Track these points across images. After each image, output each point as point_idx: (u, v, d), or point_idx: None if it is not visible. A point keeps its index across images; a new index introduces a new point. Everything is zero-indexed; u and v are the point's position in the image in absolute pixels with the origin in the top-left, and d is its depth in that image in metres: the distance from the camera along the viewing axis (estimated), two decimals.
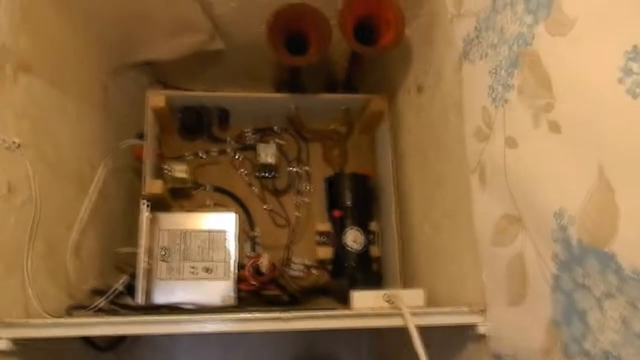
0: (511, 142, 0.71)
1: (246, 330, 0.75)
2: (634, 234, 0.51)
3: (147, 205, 0.98)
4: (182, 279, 1.01)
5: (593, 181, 0.56)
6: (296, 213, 1.18)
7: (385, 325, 0.77)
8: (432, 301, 0.92)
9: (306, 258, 1.15)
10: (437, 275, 0.94)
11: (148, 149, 1.03)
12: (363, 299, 0.85)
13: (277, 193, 1.19)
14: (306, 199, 1.19)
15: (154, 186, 1.00)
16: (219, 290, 1.01)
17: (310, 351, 1.26)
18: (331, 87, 1.22)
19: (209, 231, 1.04)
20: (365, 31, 0.92)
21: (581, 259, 0.58)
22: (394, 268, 1.05)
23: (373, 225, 1.14)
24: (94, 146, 1.05)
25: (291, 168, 1.20)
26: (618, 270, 0.53)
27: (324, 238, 1.13)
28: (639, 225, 0.51)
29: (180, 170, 1.05)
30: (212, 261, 1.02)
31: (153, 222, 1.03)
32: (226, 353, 1.32)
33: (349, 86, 1.19)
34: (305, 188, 1.20)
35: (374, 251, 1.12)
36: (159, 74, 1.27)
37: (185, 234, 1.03)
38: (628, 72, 0.52)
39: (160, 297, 1.00)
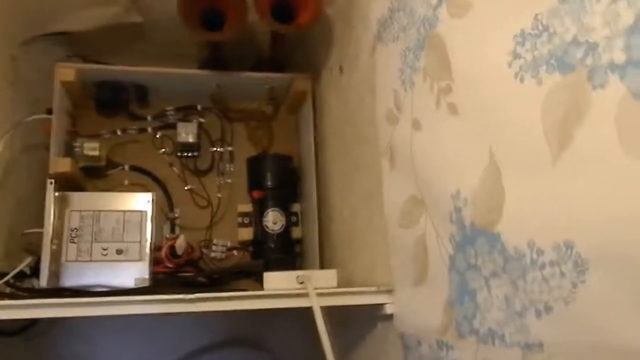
0: (417, 125, 0.71)
1: (149, 312, 0.73)
2: (516, 215, 0.52)
3: (52, 183, 0.93)
4: (92, 261, 0.97)
5: (485, 163, 0.57)
6: (218, 194, 1.16)
7: (293, 305, 0.77)
8: (348, 284, 0.93)
9: (228, 240, 1.14)
10: (354, 258, 0.95)
11: (56, 125, 0.98)
12: (275, 280, 0.85)
13: (199, 173, 1.16)
14: (229, 180, 1.17)
15: (61, 164, 0.96)
16: (132, 272, 0.98)
17: (232, 334, 1.25)
18: (258, 66, 1.19)
19: (124, 212, 1.00)
20: (284, 9, 0.91)
21: (473, 239, 0.59)
22: (314, 250, 1.05)
23: (295, 207, 1.14)
24: (1, 122, 0.99)
25: (214, 148, 1.17)
26: (502, 250, 0.54)
27: (245, 219, 1.12)
28: (520, 206, 0.52)
29: (91, 148, 1.01)
30: (125, 242, 0.99)
31: (64, 202, 0.98)
32: (148, 338, 1.29)
33: (275, 65, 1.17)
34: (228, 168, 1.17)
35: (296, 232, 1.12)
36: (77, 47, 1.21)
37: (97, 215, 0.99)
38: (516, 55, 0.52)
39: (69, 279, 0.96)
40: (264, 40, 1.15)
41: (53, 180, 0.94)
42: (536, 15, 0.50)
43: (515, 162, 0.53)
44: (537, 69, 0.50)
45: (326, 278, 0.87)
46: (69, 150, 1.03)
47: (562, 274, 0.46)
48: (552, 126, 0.48)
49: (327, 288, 0.82)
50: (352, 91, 0.95)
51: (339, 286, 0.86)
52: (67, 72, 1.00)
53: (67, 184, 1.01)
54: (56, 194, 0.96)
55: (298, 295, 0.77)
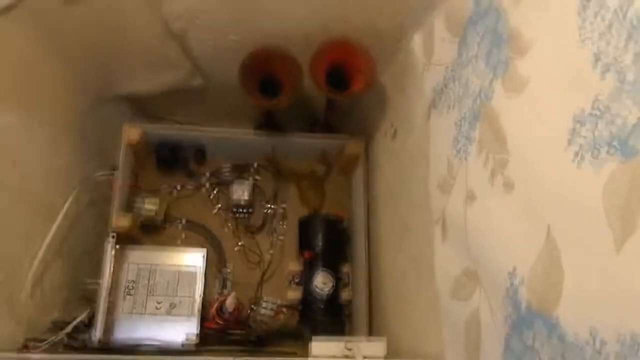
0: (471, 196, 0.70)
1: None
2: (577, 299, 0.50)
3: (113, 237, 0.97)
4: (146, 314, 0.99)
5: (542, 242, 0.55)
6: (270, 251, 1.17)
7: None
8: (396, 351, 0.90)
9: (277, 297, 1.14)
10: (403, 324, 0.93)
11: (118, 182, 1.03)
12: (322, 347, 0.84)
13: (252, 230, 1.18)
14: (280, 238, 1.18)
15: (122, 220, 1.00)
16: (182, 327, 0.99)
17: None
18: (311, 126, 1.22)
19: (178, 267, 1.03)
20: (338, 76, 0.93)
21: (530, 321, 0.57)
22: (363, 314, 1.04)
23: (346, 267, 1.13)
24: (69, 176, 1.05)
25: (268, 206, 1.19)
26: (562, 337, 0.51)
27: (295, 278, 1.12)
28: (582, 290, 0.50)
29: (151, 203, 1.05)
30: (178, 296, 1.01)
31: (122, 255, 1.02)
32: None
33: (328, 126, 1.19)
34: (280, 227, 1.19)
35: (346, 294, 1.10)
36: (140, 105, 1.28)
37: (153, 269, 1.02)
38: (576, 135, 0.51)
39: (122, 332, 0.98)
40: (318, 103, 1.19)
41: (115, 235, 0.98)
42: (596, 96, 0.49)
43: (576, 243, 0.51)
44: (598, 151, 0.48)
45: (375, 348, 0.85)
46: (129, 205, 1.08)
47: None
48: (614, 211, 0.46)
49: (376, 358, 0.80)
50: (406, 155, 0.95)
51: (387, 356, 0.84)
52: (133, 132, 1.06)
53: (126, 238, 1.05)
54: (116, 247, 1.00)
55: None
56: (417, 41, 0.91)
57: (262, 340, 1.04)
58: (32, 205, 0.92)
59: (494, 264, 0.64)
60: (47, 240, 0.91)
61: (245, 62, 0.90)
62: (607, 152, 0.47)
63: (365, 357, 0.81)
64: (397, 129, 1.00)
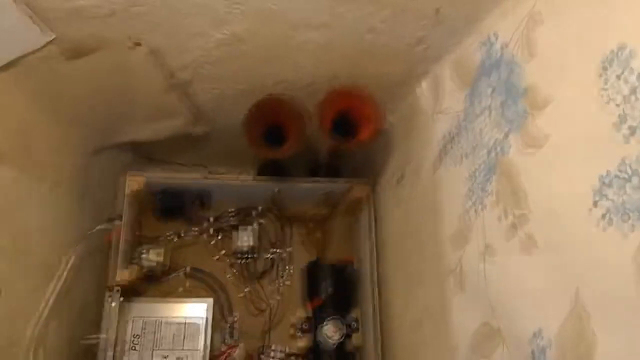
0: (489, 251, 0.69)
1: None
2: None
3: (118, 291, 0.95)
4: None
5: (571, 305, 0.54)
6: (276, 297, 1.14)
7: None
8: None
9: (286, 345, 1.11)
10: None
11: (121, 233, 1.00)
12: None
13: (257, 276, 1.16)
14: (287, 282, 1.16)
15: (125, 273, 0.97)
16: None
17: None
18: (314, 169, 1.21)
19: (184, 319, 1.00)
20: (345, 123, 0.92)
21: None
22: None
23: (354, 312, 1.10)
24: (68, 232, 1.02)
25: (272, 250, 1.17)
26: None
27: (304, 325, 1.09)
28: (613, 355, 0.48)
29: (155, 254, 1.02)
30: (185, 350, 0.98)
31: (124, 309, 0.99)
32: None
33: (332, 169, 1.18)
34: (286, 271, 1.16)
35: (356, 339, 1.08)
36: (142, 151, 1.26)
37: (158, 323, 0.99)
38: (602, 197, 0.50)
39: None
40: (322, 145, 1.18)
41: (118, 288, 0.95)
42: (623, 158, 0.48)
43: (607, 310, 0.49)
44: (628, 215, 0.47)
45: None
46: (132, 256, 1.05)
47: None
48: None
49: None
50: (414, 204, 0.94)
51: None
52: (137, 181, 1.04)
53: (127, 290, 1.02)
54: (116, 302, 0.97)
55: None
56: (424, 88, 0.91)
57: None
58: (29, 264, 0.89)
59: (518, 322, 0.63)
60: (48, 300, 0.88)
61: (250, 112, 0.89)
62: (639, 219, 0.46)
63: None
64: (403, 174, 0.99)
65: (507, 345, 0.65)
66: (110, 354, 0.93)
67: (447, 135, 0.82)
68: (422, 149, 0.90)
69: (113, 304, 0.96)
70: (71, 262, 0.95)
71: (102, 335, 0.95)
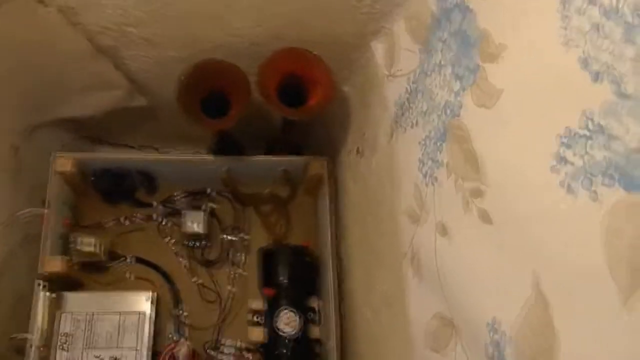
0: (442, 229, 0.59)
1: None
2: None
3: (40, 285, 0.85)
4: None
5: (528, 292, 0.44)
6: (229, 287, 1.05)
7: None
8: None
9: (239, 339, 1.02)
10: None
11: (51, 220, 0.91)
12: None
13: (209, 264, 1.06)
14: (242, 272, 1.06)
15: (53, 264, 0.87)
16: None
17: None
18: (271, 145, 1.11)
19: (121, 315, 0.91)
20: (293, 90, 0.82)
21: None
22: (333, 356, 0.92)
23: (313, 301, 1.01)
24: None
25: (225, 236, 1.07)
26: None
27: (257, 318, 1.00)
28: (581, 357, 0.39)
29: (87, 244, 0.92)
30: (121, 348, 0.89)
31: (57, 303, 0.90)
32: None
33: (289, 144, 1.08)
34: (241, 259, 1.07)
35: (314, 332, 0.99)
36: (85, 130, 1.16)
37: (91, 318, 0.90)
38: (561, 160, 0.41)
39: None
40: (277, 119, 1.08)
41: (41, 282, 0.86)
42: (584, 111, 0.39)
43: (569, 297, 0.40)
44: (591, 180, 0.38)
45: None
46: (66, 245, 0.95)
47: None
48: (617, 255, 0.36)
49: None
50: (372, 177, 0.84)
51: None
52: (64, 161, 0.94)
53: (64, 282, 0.93)
54: (47, 294, 0.88)
55: None
56: (378, 49, 0.80)
57: None
58: None
59: (471, 312, 0.54)
60: None
61: (182, 79, 0.79)
62: (603, 183, 0.37)
63: None
64: (360, 147, 0.90)
65: (460, 338, 0.56)
66: (34, 353, 0.83)
67: (399, 100, 0.72)
68: (378, 118, 0.81)
69: (40, 298, 0.86)
70: None
71: (29, 335, 0.85)
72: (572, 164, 0.40)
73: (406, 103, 0.69)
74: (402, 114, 0.70)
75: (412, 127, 0.67)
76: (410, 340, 0.68)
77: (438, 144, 0.60)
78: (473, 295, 0.54)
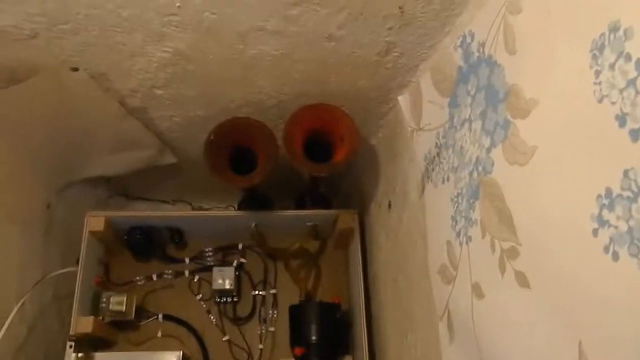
0: (477, 291, 0.56)
1: None
2: None
3: (71, 347, 0.84)
4: None
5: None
6: (259, 345, 1.02)
7: None
8: None
9: None
10: None
11: (82, 279, 0.91)
12: None
13: (239, 321, 1.04)
14: (271, 328, 1.03)
15: (84, 324, 0.87)
16: None
17: None
18: (301, 201, 1.10)
19: None
20: (319, 146, 0.82)
21: None
22: None
23: None
24: (28, 274, 0.93)
25: (255, 291, 1.06)
26: None
27: None
28: None
29: (117, 302, 0.92)
30: None
31: None
32: None
33: (318, 197, 1.07)
34: (271, 315, 1.04)
35: None
36: (118, 186, 1.18)
37: None
38: (604, 223, 0.38)
39: None
40: (305, 173, 1.07)
41: (72, 343, 0.85)
42: (626, 171, 0.36)
43: None
44: (637, 246, 0.35)
45: None
46: (96, 304, 0.95)
47: None
48: None
49: None
50: (403, 233, 0.82)
51: None
52: (96, 220, 0.95)
53: (95, 341, 0.92)
54: (79, 355, 0.87)
55: None
56: (404, 102, 0.80)
57: None
58: None
59: None
60: None
61: (210, 138, 0.80)
62: None
63: None
64: (391, 200, 0.88)
65: None
66: None
67: (428, 154, 0.70)
68: (407, 172, 0.79)
69: (71, 359, 0.85)
70: (17, 307, 0.84)
71: None
72: (616, 227, 0.37)
73: (436, 158, 0.68)
74: (433, 169, 0.69)
75: (443, 182, 0.65)
76: None
77: (471, 201, 0.58)
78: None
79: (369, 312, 0.95)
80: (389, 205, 0.88)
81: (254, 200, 1.06)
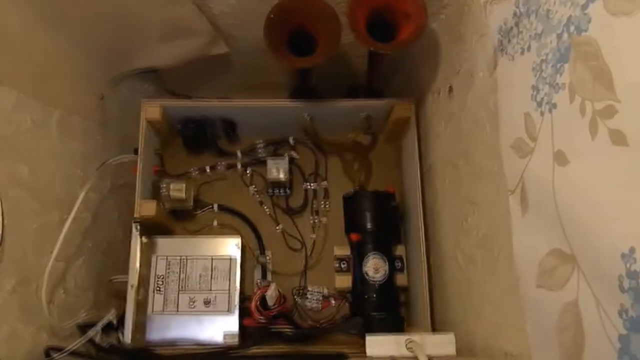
0: (561, 159, 0.55)
1: None
2: None
3: (137, 229, 0.87)
4: (179, 313, 0.89)
5: None
6: (312, 235, 1.04)
7: None
8: (467, 348, 0.77)
9: (324, 286, 1.02)
10: (474, 316, 0.79)
11: (142, 166, 0.92)
12: (380, 345, 0.71)
13: (292, 212, 1.06)
14: (324, 219, 1.05)
15: (147, 207, 0.89)
16: (220, 325, 0.89)
17: None
18: (353, 93, 1.08)
19: (211, 258, 0.92)
20: (381, 26, 0.78)
21: None
22: (423, 303, 0.90)
23: (399, 250, 0.99)
24: (87, 164, 0.95)
25: (307, 184, 1.07)
26: None
27: (343, 264, 0.99)
28: None
29: (177, 189, 0.94)
30: (213, 292, 0.90)
31: (150, 247, 0.92)
32: None
33: (372, 91, 1.04)
34: (323, 206, 1.06)
35: (400, 279, 0.97)
36: (165, 82, 1.17)
37: (184, 261, 0.92)
38: None
39: (155, 333, 0.89)
40: (359, 65, 1.04)
41: (139, 225, 0.88)
42: None
43: None
44: None
45: (442, 344, 0.72)
46: (156, 192, 0.97)
47: None
48: None
49: (444, 357, 0.67)
50: (466, 116, 0.80)
51: (458, 354, 0.71)
52: (153, 109, 0.94)
53: (155, 227, 0.95)
54: (143, 239, 0.90)
55: None
56: None
57: (308, 337, 0.93)
58: (47, 200, 0.83)
59: (600, 243, 0.49)
60: (62, 235, 0.81)
61: (270, 16, 0.77)
62: None
63: (431, 357, 0.68)
64: (452, 85, 0.85)
65: (584, 273, 0.52)
66: (134, 296, 0.86)
67: (504, 26, 0.67)
68: (474, 51, 0.76)
69: (135, 240, 0.88)
70: (83, 193, 0.87)
71: (127, 276, 0.88)
72: None
73: (514, 28, 0.64)
74: (509, 41, 0.65)
75: (522, 53, 0.62)
76: (514, 281, 0.65)
77: (558, 65, 0.55)
78: (601, 225, 0.49)
79: (424, 203, 0.95)
80: (449, 90, 0.86)
81: (305, 94, 1.04)
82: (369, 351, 0.71)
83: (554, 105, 0.56)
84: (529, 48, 0.61)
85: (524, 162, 0.62)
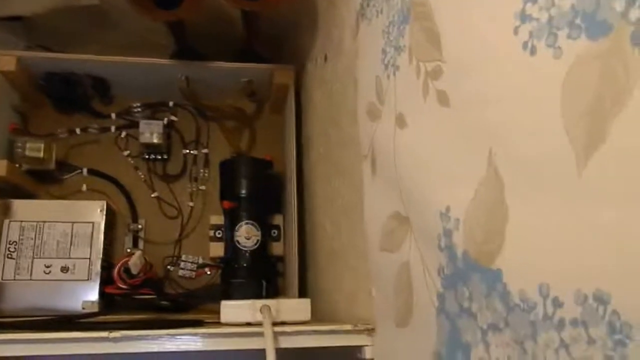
0: (401, 121, 0.55)
1: (64, 352, 0.59)
2: (524, 246, 0.36)
3: None
4: (33, 280, 0.83)
5: (483, 172, 0.41)
6: (190, 203, 1.01)
7: (246, 347, 0.62)
8: (332, 316, 0.77)
9: (200, 256, 0.99)
10: (336, 285, 0.79)
11: None
12: (235, 310, 0.70)
13: (169, 179, 1.02)
14: (202, 187, 1.02)
15: None
16: (79, 294, 0.84)
17: None
18: (238, 57, 1.04)
19: (72, 223, 0.87)
20: None
21: (466, 275, 0.43)
22: (293, 271, 0.89)
23: (277, 219, 0.98)
24: None
25: (187, 150, 1.03)
26: (504, 295, 0.38)
27: (218, 233, 0.97)
28: (530, 234, 0.36)
29: (34, 149, 0.87)
30: (72, 258, 0.85)
31: (3, 210, 0.85)
32: None
33: (260, 58, 1.02)
34: (202, 174, 1.03)
35: (276, 249, 0.96)
36: (38, 37, 1.08)
37: (41, 226, 0.85)
38: (525, 18, 0.36)
39: (6, 302, 0.82)
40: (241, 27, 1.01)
41: None
42: None
43: (524, 171, 0.37)
44: (555, 35, 0.33)
45: (298, 310, 0.71)
46: (12, 151, 0.90)
47: (591, 341, 0.30)
48: (577, 116, 0.31)
49: (295, 323, 0.67)
50: (336, 83, 0.79)
51: (313, 320, 0.71)
52: (7, 59, 0.87)
53: (12, 190, 0.88)
54: None
55: (251, 334, 0.62)
56: None
57: (179, 305, 0.90)
58: None
59: (425, 204, 0.50)
60: None
61: None
62: (568, 36, 0.33)
63: (283, 323, 0.67)
64: (327, 52, 0.84)
65: (414, 234, 0.53)
66: None
67: None
68: (344, 16, 0.75)
69: None
70: None
71: None
72: (537, 19, 0.35)
73: None
74: (367, 4, 0.65)
75: (377, 16, 0.62)
76: (365, 245, 0.65)
77: (401, 27, 0.55)
78: (427, 186, 0.50)
79: (300, 172, 0.95)
80: (325, 59, 0.85)
81: (186, 56, 1.00)
82: (223, 318, 0.70)
83: (397, 68, 0.56)
84: (381, 11, 0.61)
85: (374, 126, 0.62)
